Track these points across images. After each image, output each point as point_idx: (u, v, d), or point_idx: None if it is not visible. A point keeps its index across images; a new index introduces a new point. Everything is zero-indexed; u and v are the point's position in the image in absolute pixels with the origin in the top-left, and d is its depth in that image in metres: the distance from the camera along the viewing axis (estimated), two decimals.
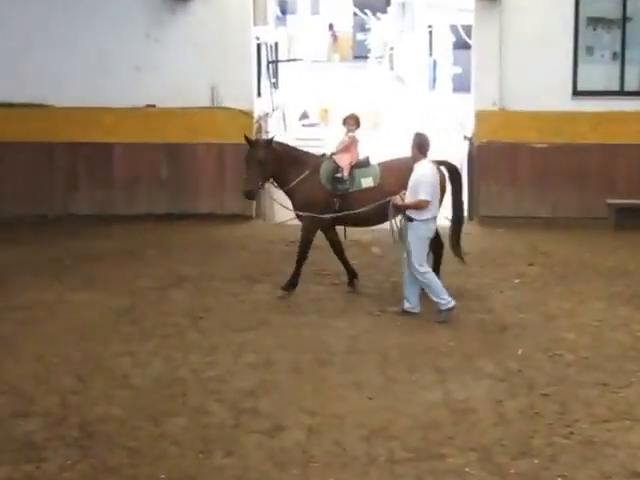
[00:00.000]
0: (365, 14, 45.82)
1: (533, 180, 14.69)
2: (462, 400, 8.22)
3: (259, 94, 16.04)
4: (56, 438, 7.53)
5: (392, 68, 40.51)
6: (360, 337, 9.75)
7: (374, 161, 11.16)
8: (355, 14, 48.87)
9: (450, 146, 15.53)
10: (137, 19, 14.69)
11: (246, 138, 10.86)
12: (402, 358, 9.18)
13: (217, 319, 10.31)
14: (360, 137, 11.20)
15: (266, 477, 6.98)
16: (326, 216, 10.88)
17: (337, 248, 11.28)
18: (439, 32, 29.23)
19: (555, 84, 14.49)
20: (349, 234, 11.39)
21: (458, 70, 25.69)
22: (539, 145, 14.63)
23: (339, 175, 10.88)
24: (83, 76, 14.63)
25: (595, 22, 14.54)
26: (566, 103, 14.54)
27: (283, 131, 19.62)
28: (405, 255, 10.21)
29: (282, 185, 11.08)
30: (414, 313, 10.33)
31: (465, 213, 11.29)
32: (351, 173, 10.90)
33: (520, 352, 9.34)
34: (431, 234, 10.31)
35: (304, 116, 26.05)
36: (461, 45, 25.35)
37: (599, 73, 14.68)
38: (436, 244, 10.75)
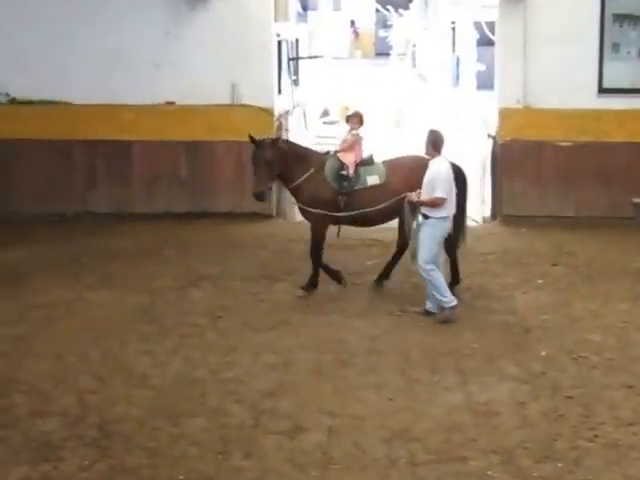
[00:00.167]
0: (387, 10, 45.65)
1: (557, 179, 14.56)
2: (484, 402, 8.15)
3: (279, 91, 15.96)
4: (74, 438, 7.51)
5: (414, 65, 40.37)
6: (381, 338, 9.68)
7: (378, 160, 11.08)
8: (377, 10, 48.72)
9: (473, 144, 15.41)
10: (156, 16, 14.64)
11: (251, 138, 10.73)
12: (424, 359, 9.11)
13: (236, 319, 10.26)
14: (364, 135, 11.16)
15: (285, 479, 6.95)
16: (343, 214, 10.79)
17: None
18: (462, 29, 29.06)
19: (580, 81, 14.34)
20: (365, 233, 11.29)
21: (482, 67, 25.51)
22: (564, 143, 14.49)
23: (344, 172, 10.83)
24: (102, 73, 14.60)
25: (621, 19, 14.37)
26: (592, 101, 14.39)
27: (304, 129, 19.53)
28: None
29: (287, 183, 11.00)
30: (436, 314, 10.23)
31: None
32: (356, 171, 10.86)
33: (544, 354, 9.25)
34: (446, 233, 10.22)
35: (325, 114, 25.96)
36: (485, 42, 25.16)
37: (625, 70, 14.49)
38: (449, 244, 10.62)
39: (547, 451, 7.25)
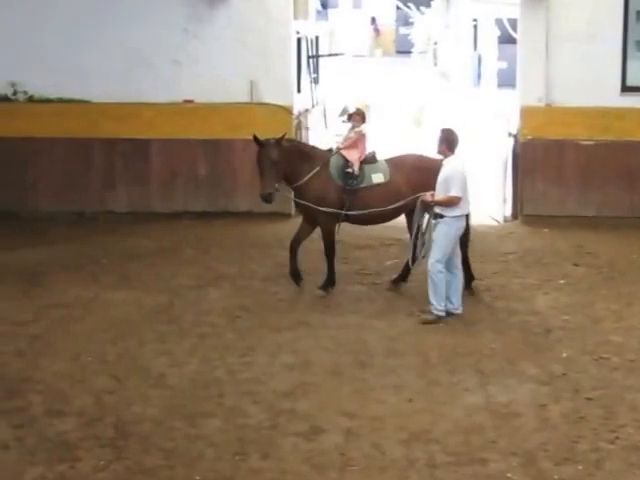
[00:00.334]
0: (408, 7, 45.46)
1: (579, 178, 14.43)
2: (505, 404, 8.08)
3: (299, 90, 15.91)
4: (90, 438, 7.48)
5: (436, 63, 40.23)
6: (400, 338, 9.62)
7: (380, 158, 11.07)
8: (398, 8, 48.52)
9: (494, 143, 15.31)
10: (175, 14, 14.61)
11: (255, 139, 10.63)
12: (443, 360, 9.04)
13: (255, 319, 10.22)
14: (367, 132, 11.11)
15: None
16: (357, 212, 10.73)
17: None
18: (484, 26, 28.98)
19: (603, 79, 14.20)
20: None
21: (503, 65, 25.39)
22: (586, 142, 14.36)
23: (350, 170, 10.78)
24: (120, 71, 14.58)
25: None
26: (614, 99, 14.24)
27: (323, 127, 19.47)
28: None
29: (292, 182, 10.89)
30: (456, 314, 10.16)
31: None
32: (360, 169, 10.82)
33: (565, 355, 9.17)
34: (460, 232, 10.15)
35: (345, 112, 25.86)
36: (507, 39, 25.04)
37: None
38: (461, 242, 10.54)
39: (567, 453, 7.18)
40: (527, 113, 14.45)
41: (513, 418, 7.79)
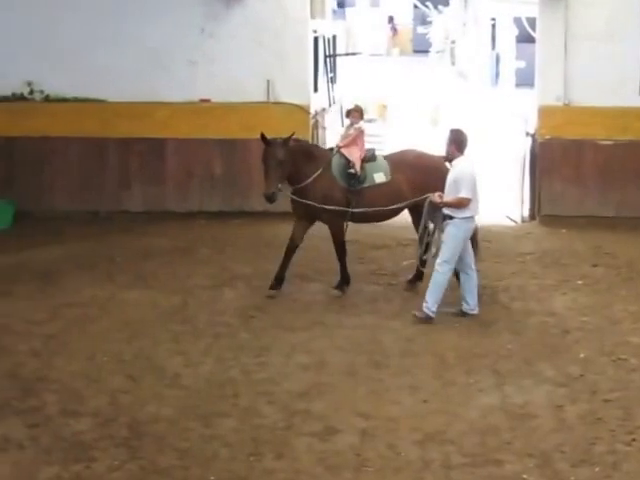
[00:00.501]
0: (426, 6, 45.33)
1: (598, 178, 14.36)
2: (521, 405, 8.05)
3: (316, 89, 15.87)
4: (106, 438, 7.48)
5: (453, 63, 40.11)
6: (416, 339, 9.58)
7: (379, 154, 11.07)
8: (415, 6, 48.37)
9: (512, 143, 15.24)
10: (192, 13, 14.61)
11: (262, 137, 10.60)
12: (459, 361, 9.00)
13: (269, 319, 10.20)
14: (365, 128, 11.11)
15: None
16: (359, 209, 10.69)
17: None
18: (502, 25, 28.87)
19: (622, 79, 14.12)
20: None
21: (521, 64, 25.31)
22: (604, 142, 14.28)
23: (352, 171, 10.75)
24: (136, 71, 14.58)
25: None
26: (633, 99, 14.16)
27: (340, 127, 19.42)
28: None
29: (296, 182, 10.83)
30: (472, 315, 10.10)
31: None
32: (362, 168, 10.79)
33: (582, 356, 9.12)
34: (470, 234, 10.09)
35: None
36: (525, 38, 24.92)
37: None
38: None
39: (584, 455, 7.14)
40: (545, 113, 14.38)
41: (529, 419, 7.75)
